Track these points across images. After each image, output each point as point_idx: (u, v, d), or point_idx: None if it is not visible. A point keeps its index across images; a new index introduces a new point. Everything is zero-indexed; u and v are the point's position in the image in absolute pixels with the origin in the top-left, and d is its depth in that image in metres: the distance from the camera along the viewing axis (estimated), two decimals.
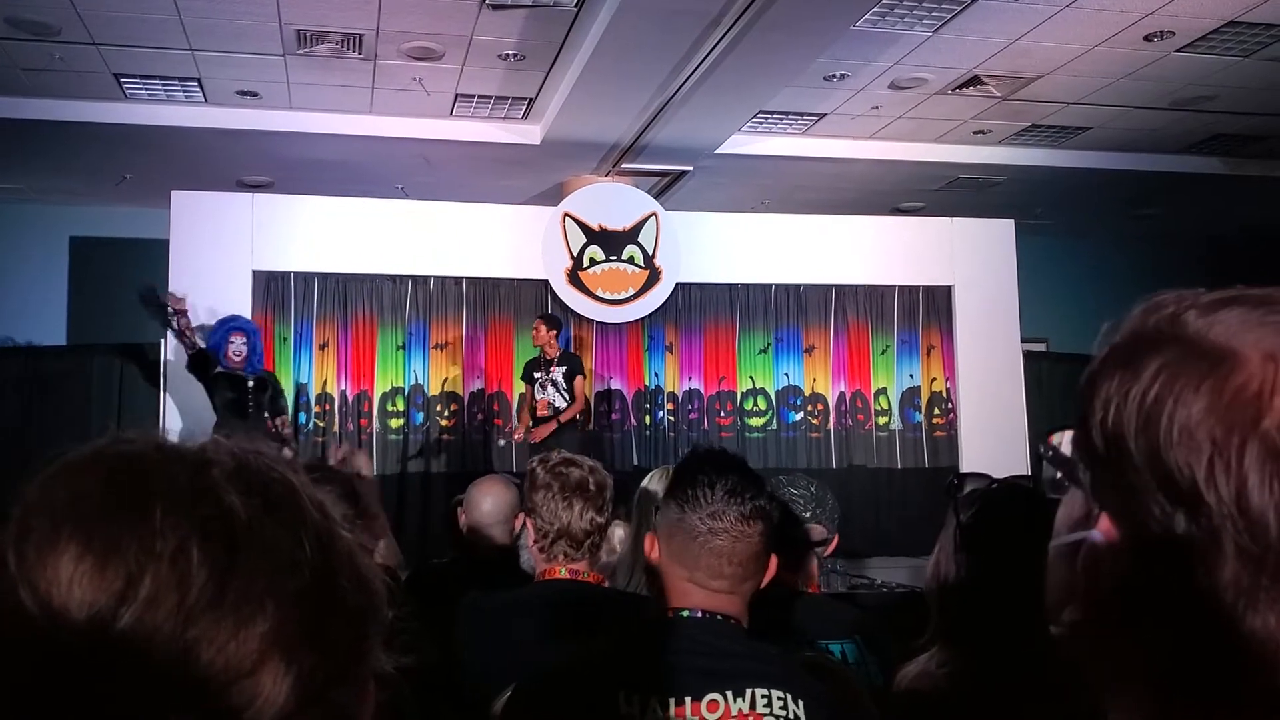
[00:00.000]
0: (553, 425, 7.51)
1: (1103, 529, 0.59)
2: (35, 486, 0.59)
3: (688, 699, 1.47)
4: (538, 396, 7.70)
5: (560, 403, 7.61)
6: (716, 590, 1.57)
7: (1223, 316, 0.57)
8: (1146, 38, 7.12)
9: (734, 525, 1.57)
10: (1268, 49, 7.33)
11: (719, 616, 1.56)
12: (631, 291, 8.76)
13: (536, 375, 7.74)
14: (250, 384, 7.32)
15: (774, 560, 1.66)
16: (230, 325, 7.43)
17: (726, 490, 1.58)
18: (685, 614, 1.57)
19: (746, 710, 1.48)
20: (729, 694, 1.48)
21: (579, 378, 7.68)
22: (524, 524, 2.49)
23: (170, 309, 7.38)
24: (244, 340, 7.30)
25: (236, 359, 7.23)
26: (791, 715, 1.49)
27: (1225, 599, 0.52)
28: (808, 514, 2.52)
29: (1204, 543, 0.53)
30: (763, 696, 1.49)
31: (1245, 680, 0.52)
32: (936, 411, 9.35)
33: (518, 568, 2.93)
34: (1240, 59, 7.50)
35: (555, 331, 7.77)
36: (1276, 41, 7.21)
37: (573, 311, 8.68)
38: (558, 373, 7.64)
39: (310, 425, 8.38)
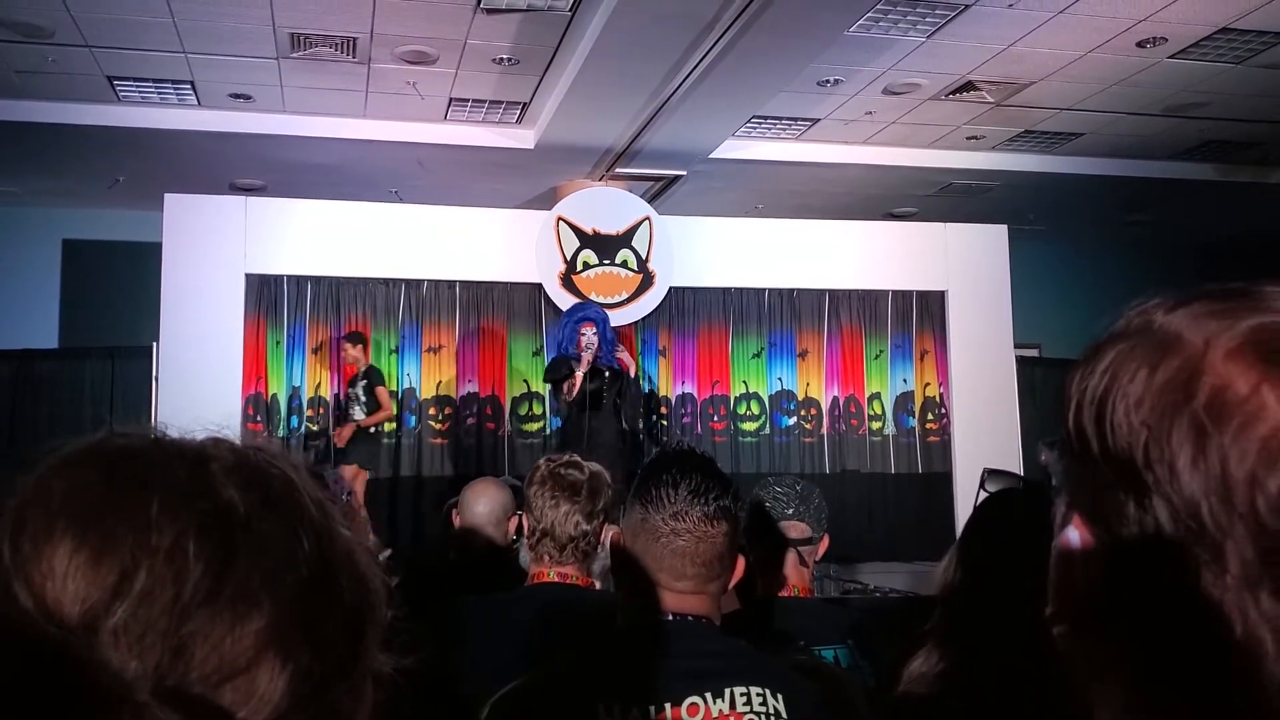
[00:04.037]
0: (350, 428, 7.95)
1: (1074, 525, 0.59)
2: (32, 479, 0.58)
3: (668, 705, 1.46)
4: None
5: (359, 414, 8.01)
6: (682, 591, 1.55)
7: (1183, 310, 0.57)
8: (1139, 44, 7.14)
9: (696, 526, 1.54)
10: (1259, 55, 7.36)
11: (690, 617, 1.54)
12: (625, 295, 8.75)
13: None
14: (606, 375, 7.22)
15: (741, 562, 1.63)
16: (579, 316, 7.33)
17: (690, 490, 1.55)
18: (658, 618, 1.54)
19: (727, 710, 1.47)
20: (708, 695, 1.47)
21: (379, 388, 8.03)
22: (523, 519, 2.49)
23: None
24: (594, 330, 7.19)
25: (588, 351, 7.10)
26: (771, 710, 1.48)
27: (1171, 579, 0.52)
28: (790, 510, 2.50)
29: (1149, 526, 0.53)
30: (741, 695, 1.48)
31: (1204, 660, 0.52)
32: (930, 416, 9.36)
33: (512, 570, 2.92)
34: (1232, 65, 7.53)
35: (362, 346, 8.14)
36: (1268, 48, 7.23)
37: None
38: (359, 387, 8.02)
39: (303, 429, 8.36)
